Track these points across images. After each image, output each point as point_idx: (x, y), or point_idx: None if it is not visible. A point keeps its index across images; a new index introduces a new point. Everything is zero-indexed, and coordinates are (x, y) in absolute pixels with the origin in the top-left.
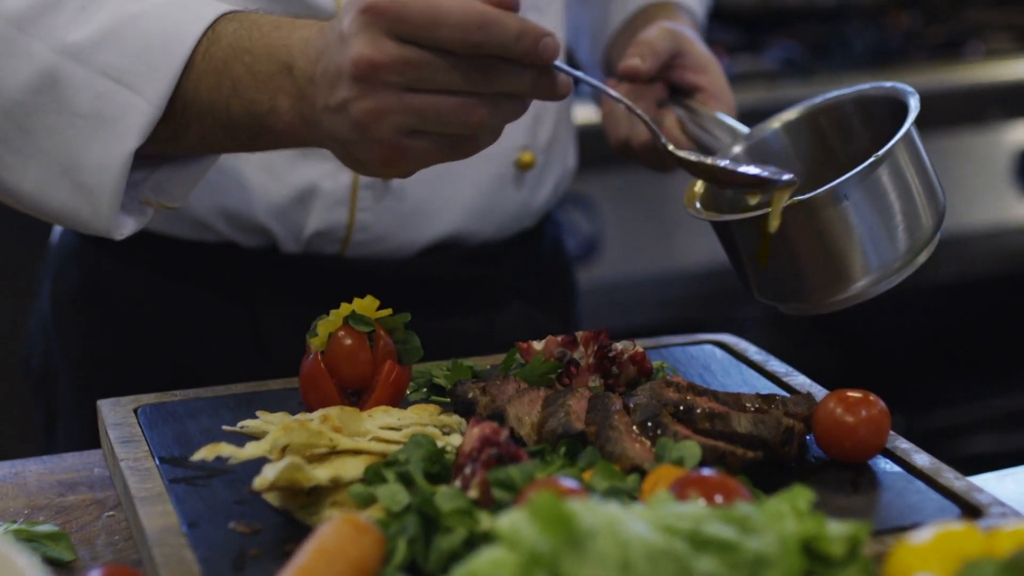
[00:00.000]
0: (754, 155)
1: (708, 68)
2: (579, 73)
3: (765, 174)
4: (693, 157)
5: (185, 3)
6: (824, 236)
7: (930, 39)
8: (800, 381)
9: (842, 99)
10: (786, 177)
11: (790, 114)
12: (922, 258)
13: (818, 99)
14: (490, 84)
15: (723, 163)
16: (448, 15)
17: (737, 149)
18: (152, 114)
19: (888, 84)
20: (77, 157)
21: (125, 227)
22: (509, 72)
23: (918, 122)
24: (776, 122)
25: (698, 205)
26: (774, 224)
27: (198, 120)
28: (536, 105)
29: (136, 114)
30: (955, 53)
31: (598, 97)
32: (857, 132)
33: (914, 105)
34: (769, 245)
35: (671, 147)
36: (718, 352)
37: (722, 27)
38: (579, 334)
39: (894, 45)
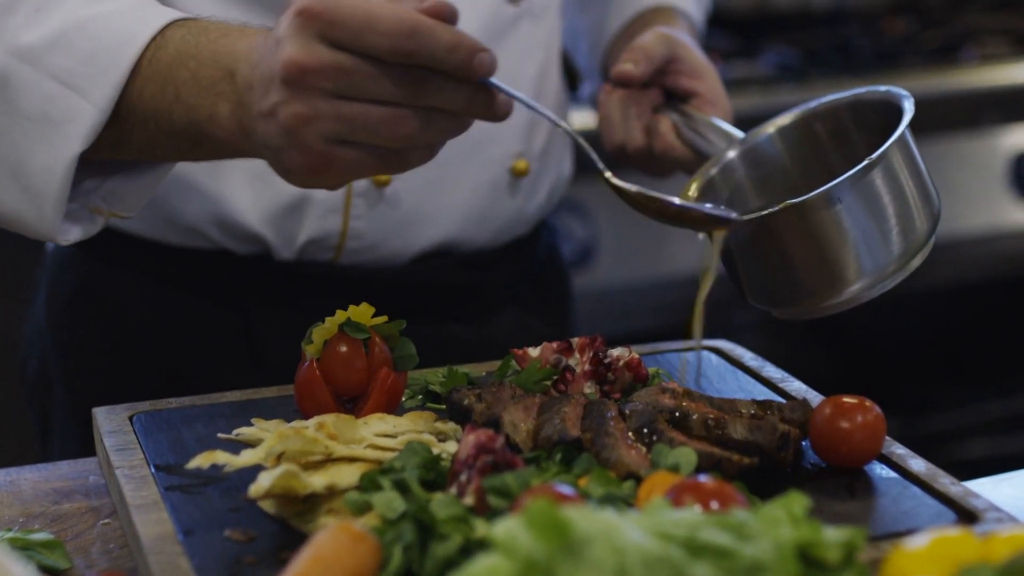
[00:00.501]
0: (748, 160)
1: (703, 73)
2: (519, 95)
3: (706, 210)
4: (633, 189)
5: (137, 8)
6: (818, 240)
7: (926, 44)
8: (796, 387)
9: (837, 103)
10: (731, 215)
11: (784, 119)
12: (917, 262)
13: (813, 104)
14: (422, 97)
15: (665, 198)
16: (379, 21)
17: (731, 154)
18: (97, 118)
19: (883, 88)
20: (24, 159)
21: (70, 234)
22: (442, 86)
23: (914, 126)
24: (771, 127)
25: None
26: (713, 262)
27: (142, 126)
28: (531, 112)
29: (82, 118)
30: (951, 58)
31: (595, 102)
32: (852, 136)
33: (908, 109)
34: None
35: (608, 174)
36: (714, 358)
37: (717, 33)
38: (574, 340)
39: (890, 50)
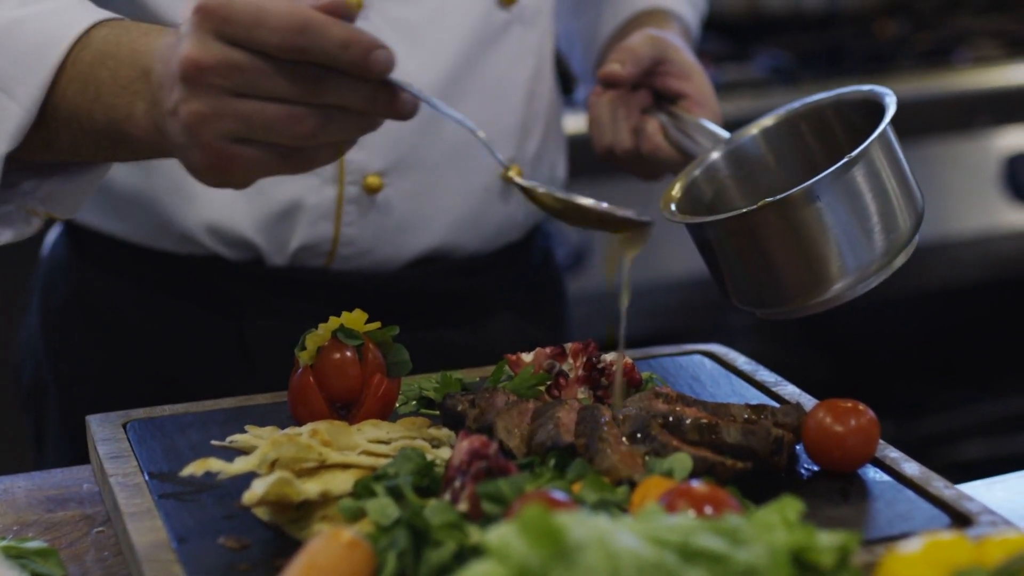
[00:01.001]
0: (732, 161)
1: (692, 75)
2: (423, 94)
3: (611, 210)
4: (541, 188)
5: (67, 9)
6: (800, 237)
7: (918, 46)
8: (789, 391)
9: (820, 104)
10: (643, 219)
11: (768, 120)
12: (900, 260)
13: (797, 104)
14: (318, 94)
15: (574, 198)
16: (270, 17)
17: (715, 155)
18: (24, 119)
19: (866, 87)
20: None
21: (1, 236)
22: (339, 84)
23: (907, 128)
24: (754, 128)
25: (673, 208)
26: (626, 257)
27: (66, 125)
28: (524, 117)
29: (8, 118)
30: (943, 60)
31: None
32: (836, 136)
33: (890, 106)
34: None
35: (511, 173)
36: (707, 362)
37: (710, 36)
38: (568, 346)
39: (882, 52)
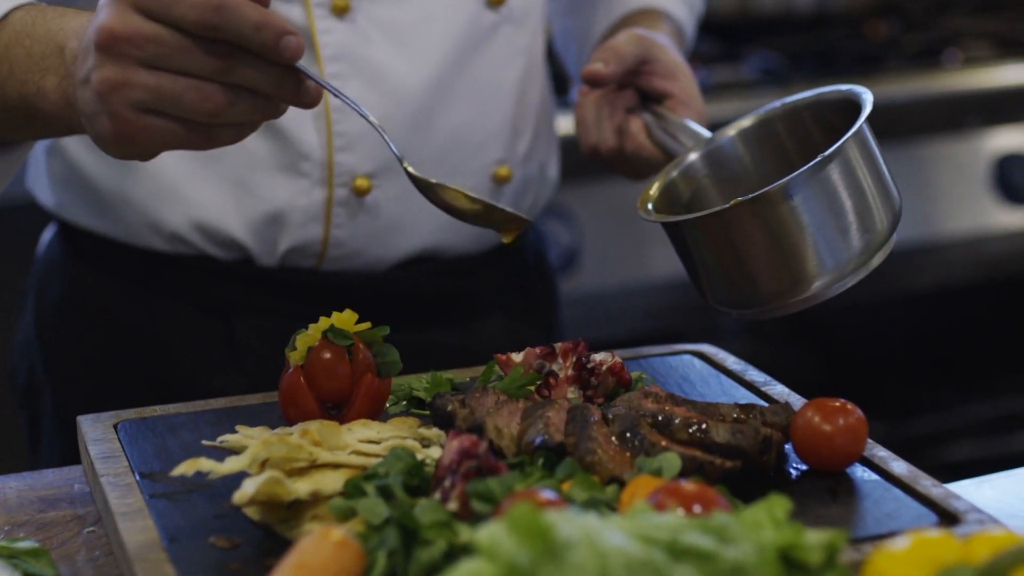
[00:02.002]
0: (710, 162)
1: (677, 74)
2: (327, 83)
3: (506, 209)
4: (433, 180)
5: None
6: (775, 236)
7: (908, 47)
8: (778, 390)
9: (798, 104)
10: (527, 217)
11: (746, 121)
12: (877, 259)
13: (775, 104)
14: (228, 73)
15: (463, 191)
16: None
17: (693, 156)
18: None
19: (844, 87)
20: None
21: None
22: (249, 64)
23: (897, 129)
24: (732, 129)
25: (650, 207)
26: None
27: None
28: (514, 118)
29: None
30: (933, 61)
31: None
32: (814, 136)
33: (867, 105)
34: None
35: (406, 164)
36: (697, 362)
37: (700, 37)
38: (557, 346)
39: (873, 53)
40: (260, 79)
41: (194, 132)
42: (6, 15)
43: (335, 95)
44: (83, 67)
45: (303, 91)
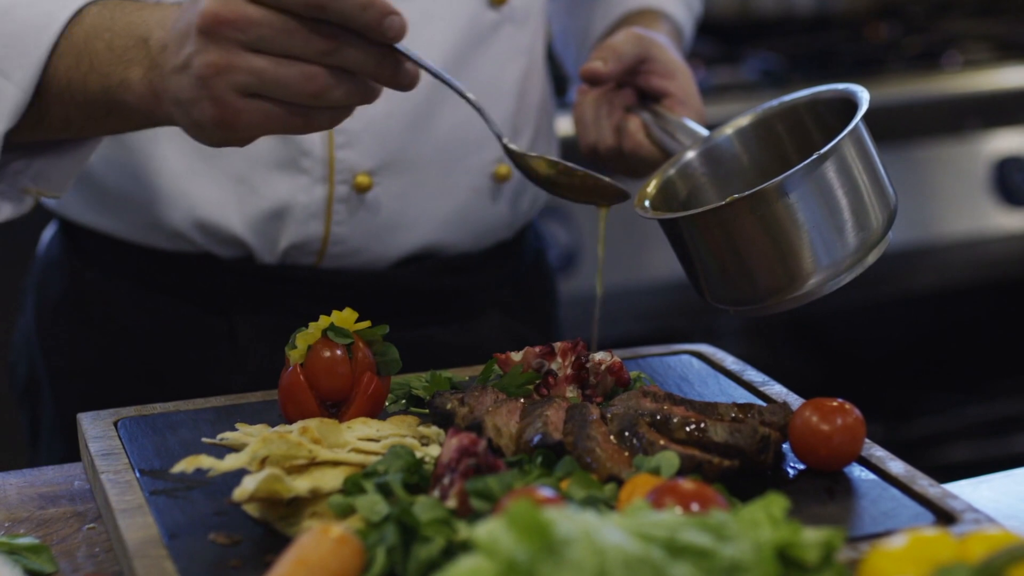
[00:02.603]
0: (708, 160)
1: (676, 74)
2: (427, 63)
3: (608, 180)
4: (533, 154)
5: None
6: (771, 233)
7: (908, 49)
8: (777, 390)
9: (796, 103)
10: (619, 185)
11: (744, 120)
12: (872, 257)
13: (772, 103)
14: (332, 55)
15: (568, 164)
16: None
17: (690, 154)
18: (21, 98)
19: (840, 86)
20: None
21: (1, 211)
22: (352, 45)
23: (897, 131)
24: (729, 128)
25: (647, 204)
26: (601, 234)
27: (58, 100)
28: (514, 116)
29: (5, 99)
30: (933, 63)
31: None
32: (811, 134)
33: (863, 104)
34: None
35: (505, 140)
36: (695, 362)
37: (701, 39)
38: (556, 345)
39: (873, 56)
40: (362, 60)
41: (294, 115)
42: (80, 10)
43: (434, 74)
44: (179, 54)
45: (402, 72)
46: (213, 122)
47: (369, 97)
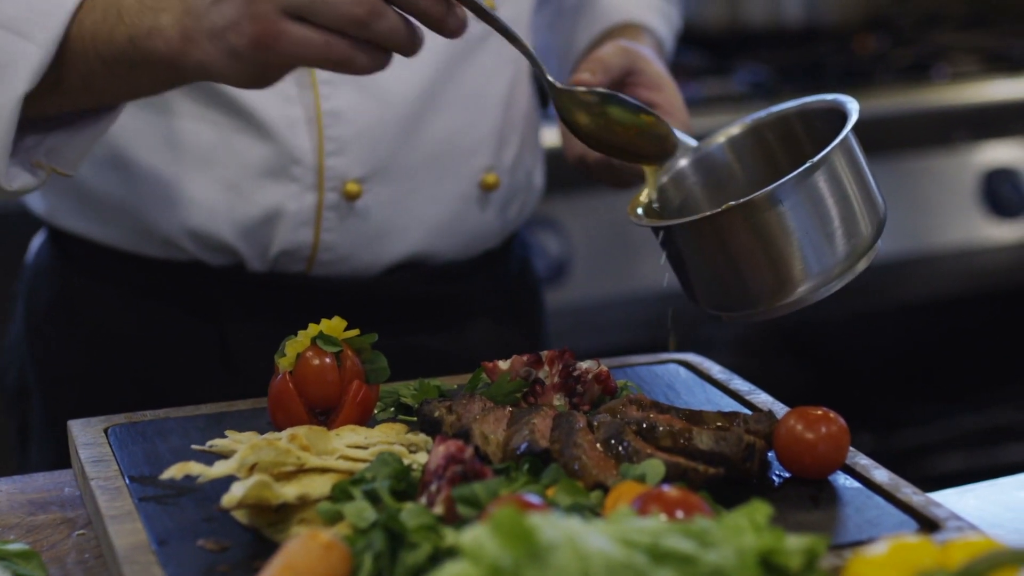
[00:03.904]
0: (699, 168)
1: (662, 86)
2: (485, 5)
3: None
4: (582, 88)
5: None
6: (763, 240)
7: (897, 61)
8: (762, 399)
9: (786, 112)
10: (692, 142)
11: (735, 128)
12: (862, 265)
13: (763, 113)
14: None
15: (617, 94)
16: None
17: (683, 163)
18: (43, 58)
19: (830, 96)
20: None
21: (16, 179)
22: None
23: (886, 143)
24: (721, 136)
25: (640, 212)
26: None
27: (82, 57)
28: (501, 126)
29: (27, 58)
30: (922, 75)
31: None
32: (802, 144)
33: (853, 114)
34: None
35: (549, 76)
36: (682, 371)
37: (690, 50)
38: (544, 353)
39: (862, 68)
40: None
41: (334, 48)
42: None
43: (491, 23)
44: None
45: (452, 15)
46: (252, 42)
47: (409, 43)
